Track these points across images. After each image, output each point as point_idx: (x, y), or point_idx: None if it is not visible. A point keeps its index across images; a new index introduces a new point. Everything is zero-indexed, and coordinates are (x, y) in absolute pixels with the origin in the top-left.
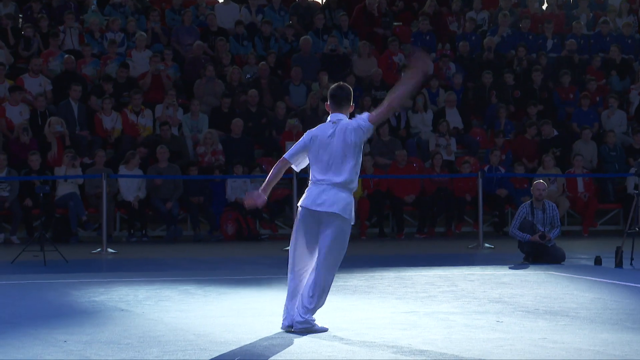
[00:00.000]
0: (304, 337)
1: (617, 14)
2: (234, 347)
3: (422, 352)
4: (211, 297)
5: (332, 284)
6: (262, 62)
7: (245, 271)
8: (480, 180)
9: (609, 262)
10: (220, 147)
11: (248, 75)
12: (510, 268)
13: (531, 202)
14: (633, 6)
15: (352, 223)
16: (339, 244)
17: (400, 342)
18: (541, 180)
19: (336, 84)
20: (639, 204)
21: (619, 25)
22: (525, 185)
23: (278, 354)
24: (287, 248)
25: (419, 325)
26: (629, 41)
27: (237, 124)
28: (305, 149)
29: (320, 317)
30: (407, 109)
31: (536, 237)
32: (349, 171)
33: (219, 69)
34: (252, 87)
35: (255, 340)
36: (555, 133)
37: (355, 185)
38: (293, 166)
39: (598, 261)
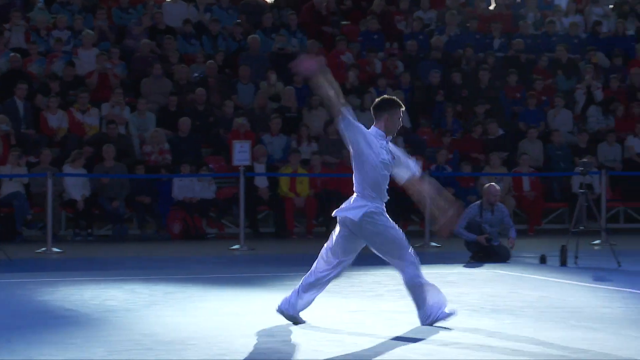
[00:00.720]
0: (250, 337)
1: (563, 14)
2: (179, 347)
3: (368, 350)
4: (157, 297)
5: (283, 282)
6: (210, 61)
7: (192, 270)
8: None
9: (554, 260)
10: (167, 146)
11: (196, 74)
12: (456, 267)
13: (481, 202)
14: (579, 6)
15: None
16: None
17: (347, 340)
18: (494, 184)
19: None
20: (584, 203)
21: (566, 25)
22: (472, 184)
23: (221, 353)
24: (234, 247)
25: (366, 324)
26: (576, 41)
27: (185, 122)
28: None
29: (263, 317)
30: (355, 107)
31: (482, 239)
32: None
33: (167, 67)
34: (200, 86)
35: (200, 339)
36: (501, 132)
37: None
38: (349, 114)
39: (543, 260)
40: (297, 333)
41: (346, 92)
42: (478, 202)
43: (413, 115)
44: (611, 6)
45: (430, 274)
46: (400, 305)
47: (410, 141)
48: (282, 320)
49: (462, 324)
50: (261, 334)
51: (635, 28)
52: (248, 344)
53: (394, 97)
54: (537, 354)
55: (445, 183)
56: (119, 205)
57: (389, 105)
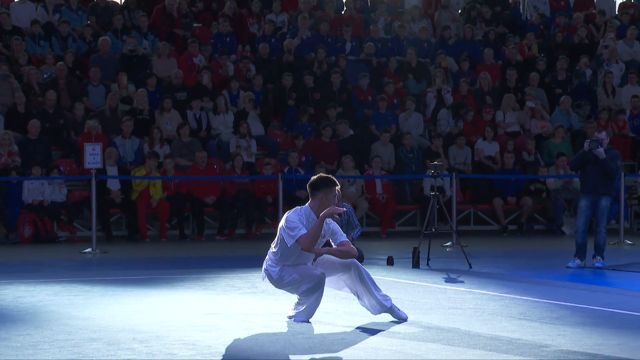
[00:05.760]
0: (99, 341)
1: (413, 19)
2: (29, 350)
3: (221, 353)
4: (7, 301)
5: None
6: (60, 63)
7: (43, 274)
8: (280, 182)
9: (406, 262)
10: (16, 148)
11: (45, 75)
12: None
13: None
14: (428, 11)
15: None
16: None
17: (201, 344)
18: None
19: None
20: (435, 205)
21: (415, 29)
22: None
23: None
24: (85, 250)
25: (220, 327)
26: (425, 45)
27: (34, 124)
28: None
29: (114, 320)
30: (208, 110)
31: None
32: None
33: (15, 68)
34: (50, 88)
35: (52, 342)
36: (351, 132)
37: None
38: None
39: (390, 261)
40: (150, 336)
41: (199, 94)
42: None
43: (265, 118)
44: (459, 11)
45: None
46: (254, 307)
47: (263, 144)
48: (135, 322)
49: (317, 325)
50: (109, 340)
51: (482, 33)
52: (98, 348)
53: (330, 176)
54: (391, 355)
55: (298, 185)
56: None
57: (324, 185)
